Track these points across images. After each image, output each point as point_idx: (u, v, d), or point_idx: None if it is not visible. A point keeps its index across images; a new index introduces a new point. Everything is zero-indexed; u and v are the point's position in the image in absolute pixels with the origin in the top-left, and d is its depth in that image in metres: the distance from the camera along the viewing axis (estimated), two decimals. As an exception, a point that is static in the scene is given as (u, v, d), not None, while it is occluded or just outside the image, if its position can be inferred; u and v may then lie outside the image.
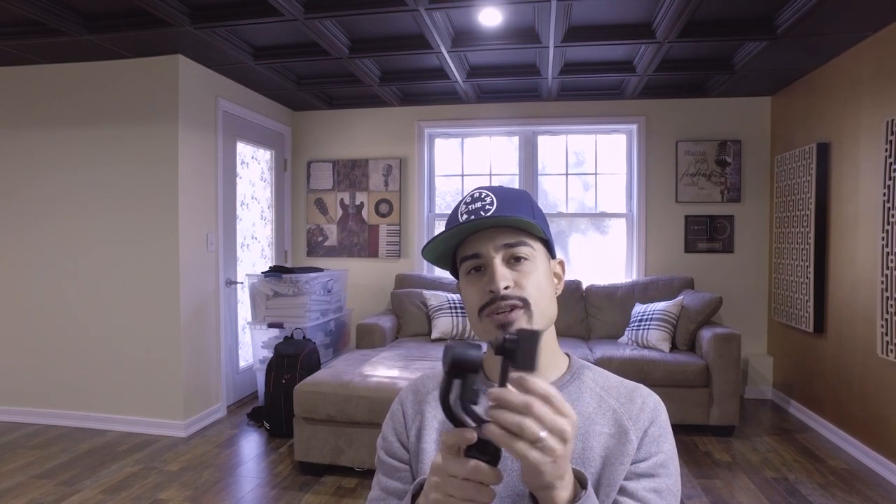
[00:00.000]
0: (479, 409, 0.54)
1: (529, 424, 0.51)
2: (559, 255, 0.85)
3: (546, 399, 0.52)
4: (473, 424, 0.54)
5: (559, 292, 0.80)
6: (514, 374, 0.54)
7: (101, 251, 3.41)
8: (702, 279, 4.22)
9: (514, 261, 0.74)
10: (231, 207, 3.91)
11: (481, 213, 0.75)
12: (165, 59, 3.29)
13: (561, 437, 0.52)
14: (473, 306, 0.75)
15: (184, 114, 3.33)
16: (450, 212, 0.82)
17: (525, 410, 0.51)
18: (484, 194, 0.78)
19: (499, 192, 0.78)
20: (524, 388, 0.53)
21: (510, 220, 0.73)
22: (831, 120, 3.32)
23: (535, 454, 0.51)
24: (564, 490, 0.56)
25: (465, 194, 0.81)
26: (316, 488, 2.65)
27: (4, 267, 3.56)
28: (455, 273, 0.82)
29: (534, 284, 0.73)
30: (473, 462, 0.54)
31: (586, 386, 0.78)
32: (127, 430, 3.37)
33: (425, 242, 0.79)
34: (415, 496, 0.67)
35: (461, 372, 0.54)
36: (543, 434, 0.51)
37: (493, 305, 0.72)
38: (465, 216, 0.76)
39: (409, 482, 0.77)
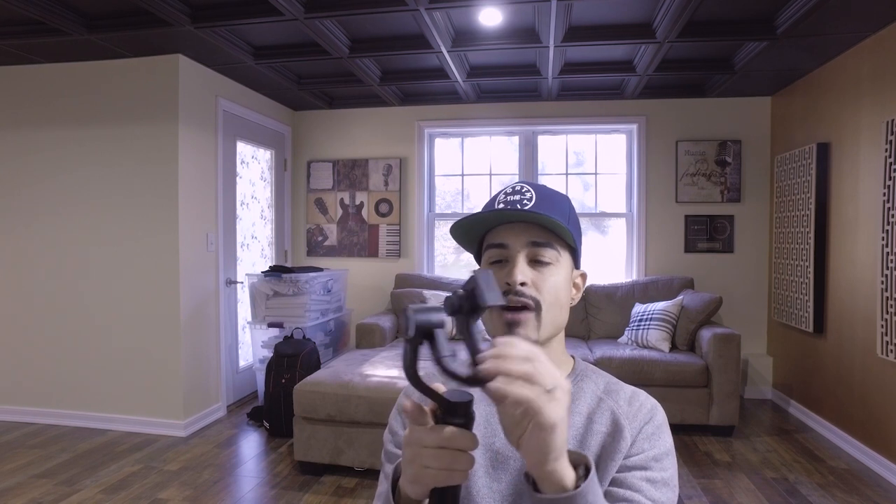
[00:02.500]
0: (458, 365, 0.51)
1: (541, 371, 0.50)
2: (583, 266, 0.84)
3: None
4: (452, 386, 0.52)
5: (574, 302, 0.80)
6: (500, 339, 0.52)
7: (101, 251, 3.41)
8: (702, 279, 4.22)
9: (536, 262, 0.74)
10: (231, 207, 3.91)
11: (517, 206, 0.75)
12: (165, 58, 3.29)
13: (565, 390, 0.52)
14: None
15: (184, 113, 3.33)
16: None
17: (532, 359, 0.50)
18: (525, 188, 0.78)
19: (540, 189, 0.78)
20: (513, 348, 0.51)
21: (543, 218, 0.72)
22: (831, 120, 3.32)
23: (547, 402, 0.49)
24: (569, 467, 0.54)
25: (505, 185, 0.81)
26: (315, 488, 2.65)
27: (4, 266, 3.56)
28: (478, 258, 0.82)
29: (550, 290, 0.73)
30: (448, 428, 0.52)
31: (588, 388, 0.78)
32: (127, 430, 3.37)
33: (442, 231, 0.79)
34: (395, 482, 0.65)
35: (429, 332, 0.51)
36: (554, 384, 0.50)
37: (506, 298, 0.72)
38: (501, 206, 0.76)
39: None
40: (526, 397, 0.49)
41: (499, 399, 0.50)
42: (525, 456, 0.53)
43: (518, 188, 0.78)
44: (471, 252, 0.84)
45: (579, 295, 0.81)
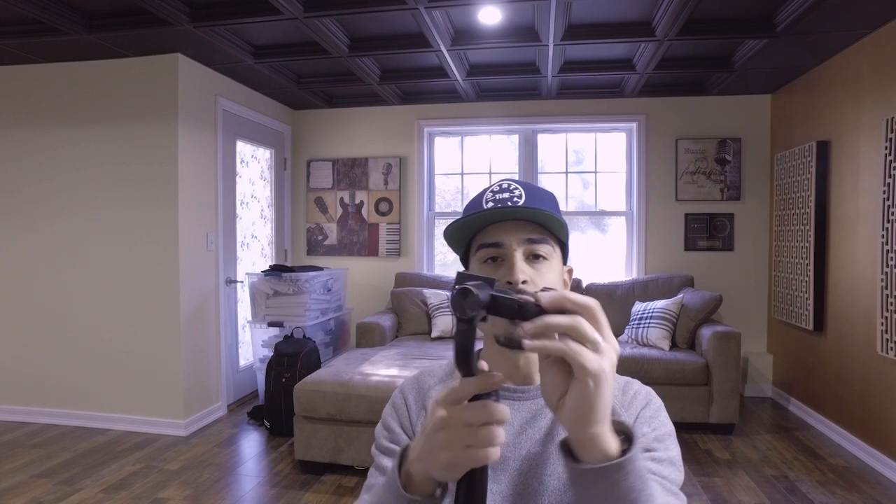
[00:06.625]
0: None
1: (584, 324, 0.49)
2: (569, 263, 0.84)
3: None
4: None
5: None
6: (554, 293, 0.51)
7: (101, 250, 3.41)
8: (702, 277, 4.22)
9: (532, 258, 0.74)
10: (231, 206, 3.91)
11: (508, 203, 0.75)
12: (165, 57, 3.29)
13: (613, 348, 0.50)
14: None
15: (184, 113, 3.32)
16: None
17: (582, 311, 0.50)
18: (513, 186, 0.78)
19: (528, 186, 0.78)
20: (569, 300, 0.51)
21: (540, 213, 0.72)
22: (831, 118, 3.32)
23: (591, 356, 0.48)
24: (612, 434, 0.51)
25: (491, 183, 0.81)
26: (316, 487, 2.65)
27: (4, 266, 3.56)
28: (464, 259, 0.81)
29: (549, 284, 0.73)
30: (490, 403, 0.51)
31: None
32: (127, 429, 3.37)
33: (442, 230, 0.78)
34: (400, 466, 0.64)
35: (493, 305, 0.50)
36: (598, 337, 0.49)
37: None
38: (490, 204, 0.76)
39: None
40: (559, 349, 0.48)
41: (542, 353, 0.50)
42: (565, 418, 0.51)
43: (506, 186, 0.78)
44: (458, 253, 0.83)
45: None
